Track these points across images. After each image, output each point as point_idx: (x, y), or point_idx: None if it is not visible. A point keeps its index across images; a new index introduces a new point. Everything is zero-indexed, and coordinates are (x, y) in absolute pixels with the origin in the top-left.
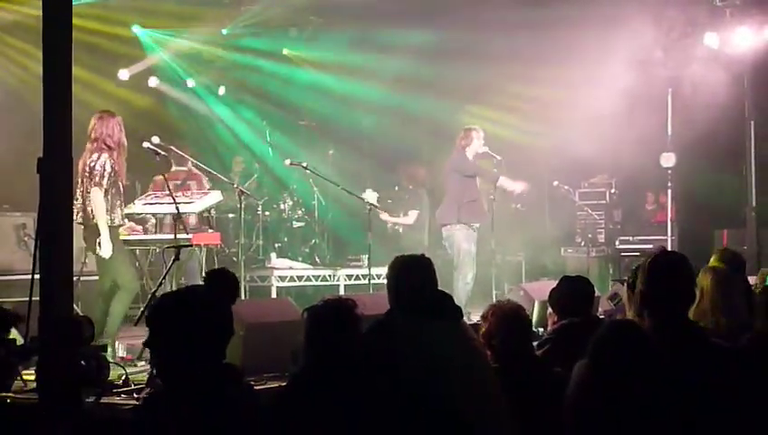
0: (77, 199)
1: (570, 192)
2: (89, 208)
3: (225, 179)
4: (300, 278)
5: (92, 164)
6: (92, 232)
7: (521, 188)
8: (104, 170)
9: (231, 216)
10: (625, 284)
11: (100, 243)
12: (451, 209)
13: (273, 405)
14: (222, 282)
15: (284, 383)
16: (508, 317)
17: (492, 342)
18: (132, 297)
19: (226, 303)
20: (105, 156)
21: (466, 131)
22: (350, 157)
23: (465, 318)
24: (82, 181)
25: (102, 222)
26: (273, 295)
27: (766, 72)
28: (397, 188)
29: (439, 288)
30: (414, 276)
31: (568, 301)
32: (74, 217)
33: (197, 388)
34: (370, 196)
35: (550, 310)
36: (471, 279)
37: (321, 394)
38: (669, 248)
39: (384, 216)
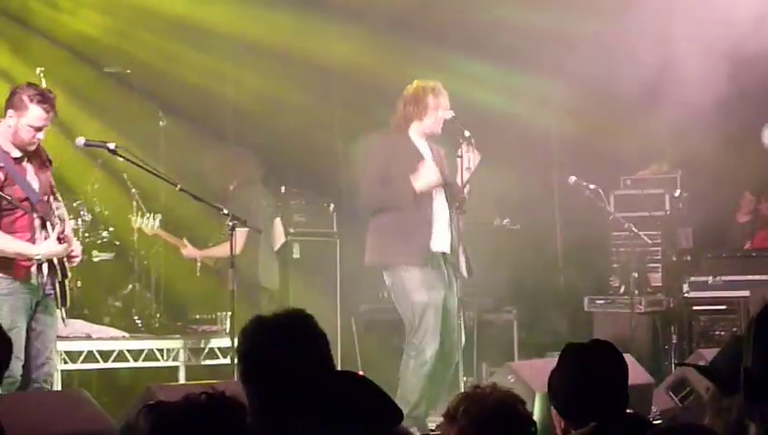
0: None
1: (599, 196)
2: None
3: None
4: (106, 356)
5: None
6: None
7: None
8: None
9: None
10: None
11: None
12: (382, 238)
13: None
14: None
15: None
16: (494, 418)
17: None
18: None
19: None
20: None
21: (417, 92)
22: (198, 131)
23: (412, 423)
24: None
25: None
26: (57, 386)
27: None
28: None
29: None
30: (293, 352)
31: (578, 393)
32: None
33: None
34: (143, 222)
35: (554, 410)
36: (431, 357)
37: None
38: None
39: (188, 250)
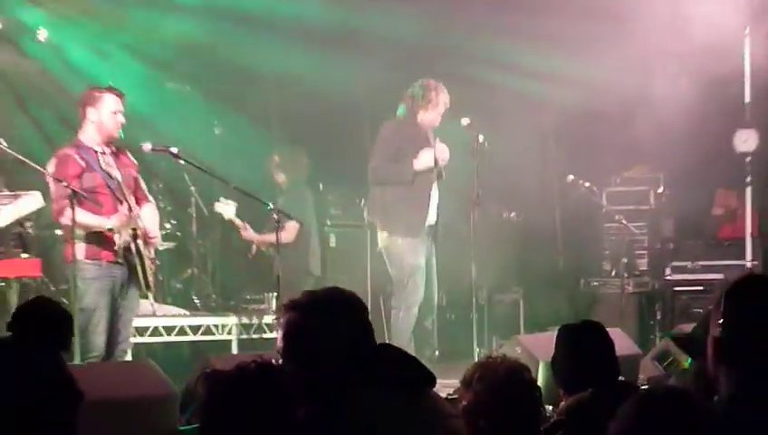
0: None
1: (593, 193)
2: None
3: (47, 172)
4: (169, 330)
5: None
6: None
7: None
8: None
9: (59, 233)
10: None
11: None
12: (389, 208)
13: None
14: (39, 322)
15: None
16: (505, 384)
17: (478, 422)
18: None
19: (49, 354)
20: None
21: (423, 88)
22: (248, 136)
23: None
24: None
25: None
26: (127, 357)
27: None
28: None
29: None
30: (337, 326)
31: (573, 366)
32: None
33: None
34: (224, 208)
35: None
36: (417, 310)
37: None
38: None
39: (248, 233)
